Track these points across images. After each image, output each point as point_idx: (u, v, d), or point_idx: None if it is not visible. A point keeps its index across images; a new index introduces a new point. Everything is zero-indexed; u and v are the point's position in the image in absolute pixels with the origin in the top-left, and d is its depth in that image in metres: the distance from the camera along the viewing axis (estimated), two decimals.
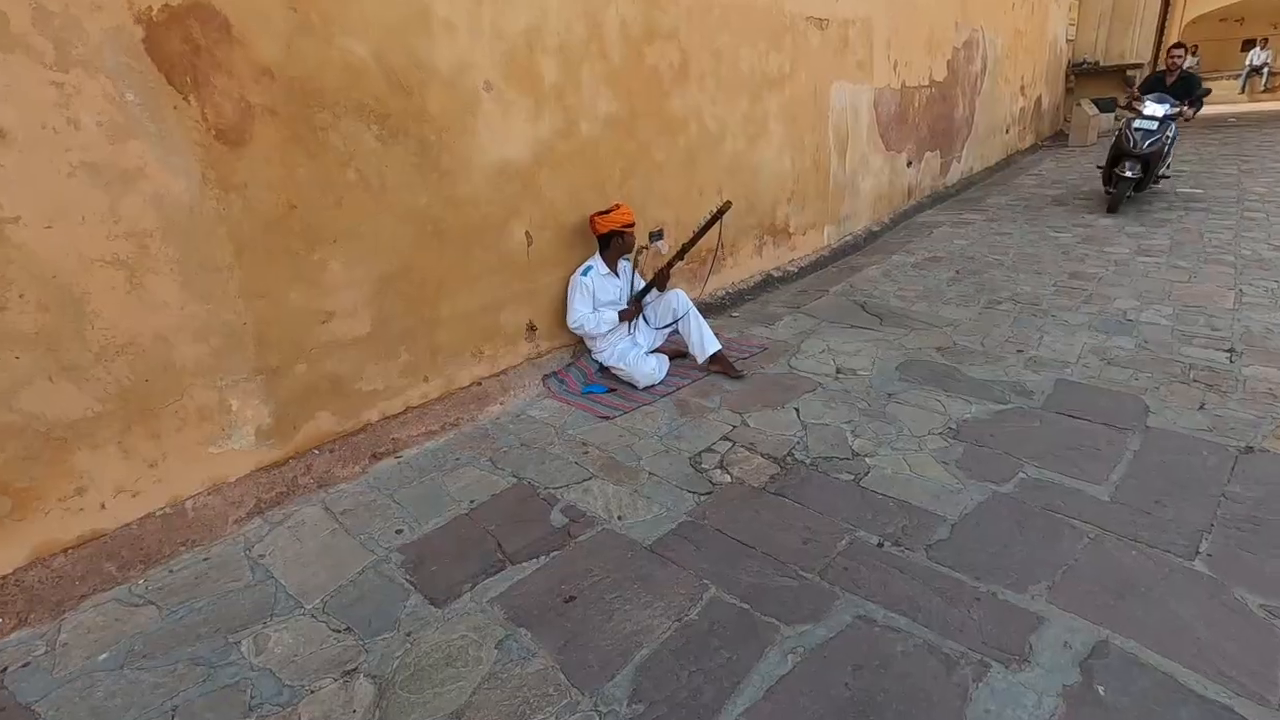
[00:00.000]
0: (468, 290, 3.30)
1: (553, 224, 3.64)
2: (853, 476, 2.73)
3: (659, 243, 4.41)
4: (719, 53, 4.56)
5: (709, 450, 2.96)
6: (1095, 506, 2.49)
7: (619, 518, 2.52)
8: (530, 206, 3.50)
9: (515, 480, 2.78)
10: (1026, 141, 12.38)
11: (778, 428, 3.13)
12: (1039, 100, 12.65)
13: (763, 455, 2.90)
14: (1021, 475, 2.70)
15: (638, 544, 2.38)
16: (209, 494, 2.53)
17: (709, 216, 3.59)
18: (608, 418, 3.27)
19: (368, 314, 2.92)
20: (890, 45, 6.74)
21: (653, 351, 3.89)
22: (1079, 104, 12.37)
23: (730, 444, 3.00)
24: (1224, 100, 19.23)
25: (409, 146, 2.93)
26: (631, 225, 3.61)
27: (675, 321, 3.76)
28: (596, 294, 3.67)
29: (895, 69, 6.94)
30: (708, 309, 4.78)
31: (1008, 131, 11.22)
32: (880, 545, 2.33)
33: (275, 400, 2.68)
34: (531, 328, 3.68)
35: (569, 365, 3.81)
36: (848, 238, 6.66)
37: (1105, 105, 12.83)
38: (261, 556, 2.36)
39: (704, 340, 3.69)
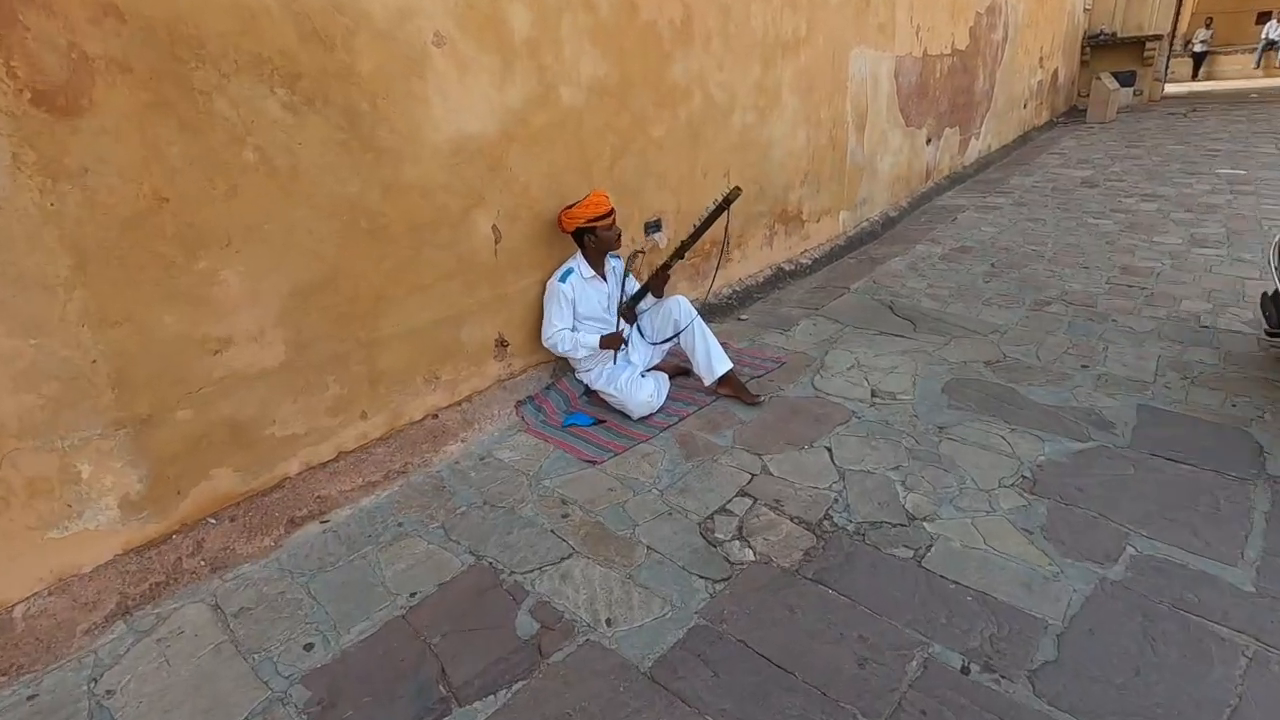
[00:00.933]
0: (417, 301, 2.61)
1: (526, 214, 2.95)
2: (912, 553, 2.10)
3: (657, 235, 3.73)
4: (727, 8, 3.84)
5: (723, 511, 2.32)
6: (1240, 602, 1.87)
7: (607, 621, 1.88)
8: (498, 194, 2.81)
9: (473, 559, 2.12)
10: (1042, 117, 11.67)
11: (808, 476, 2.49)
12: (1056, 73, 11.91)
13: (792, 519, 2.26)
14: (1130, 550, 2.08)
15: (633, 667, 1.74)
16: (51, 594, 1.86)
17: (714, 206, 2.90)
18: (595, 461, 2.61)
19: (279, 338, 2.24)
20: (913, 7, 6.01)
21: (650, 370, 3.23)
22: (1098, 77, 11.65)
23: (750, 502, 2.36)
24: (1241, 75, 18.57)
25: (331, 118, 2.23)
26: (605, 217, 2.90)
27: (676, 335, 3.10)
28: (578, 304, 2.99)
29: (918, 34, 6.21)
30: (712, 311, 4.11)
31: (1025, 106, 10.51)
32: (965, 670, 1.70)
33: (148, 459, 2.01)
34: (501, 343, 3.01)
35: (548, 388, 3.14)
36: (864, 224, 5.99)
37: (1125, 79, 12.11)
38: (110, 693, 1.70)
39: (712, 358, 3.03)
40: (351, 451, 2.51)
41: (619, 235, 2.99)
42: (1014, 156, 9.43)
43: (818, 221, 5.28)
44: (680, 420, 2.92)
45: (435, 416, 2.77)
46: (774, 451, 2.66)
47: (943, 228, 6.03)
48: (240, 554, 2.13)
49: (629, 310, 3.19)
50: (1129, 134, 10.33)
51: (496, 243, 2.86)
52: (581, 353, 2.96)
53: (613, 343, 2.95)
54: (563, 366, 3.21)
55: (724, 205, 2.87)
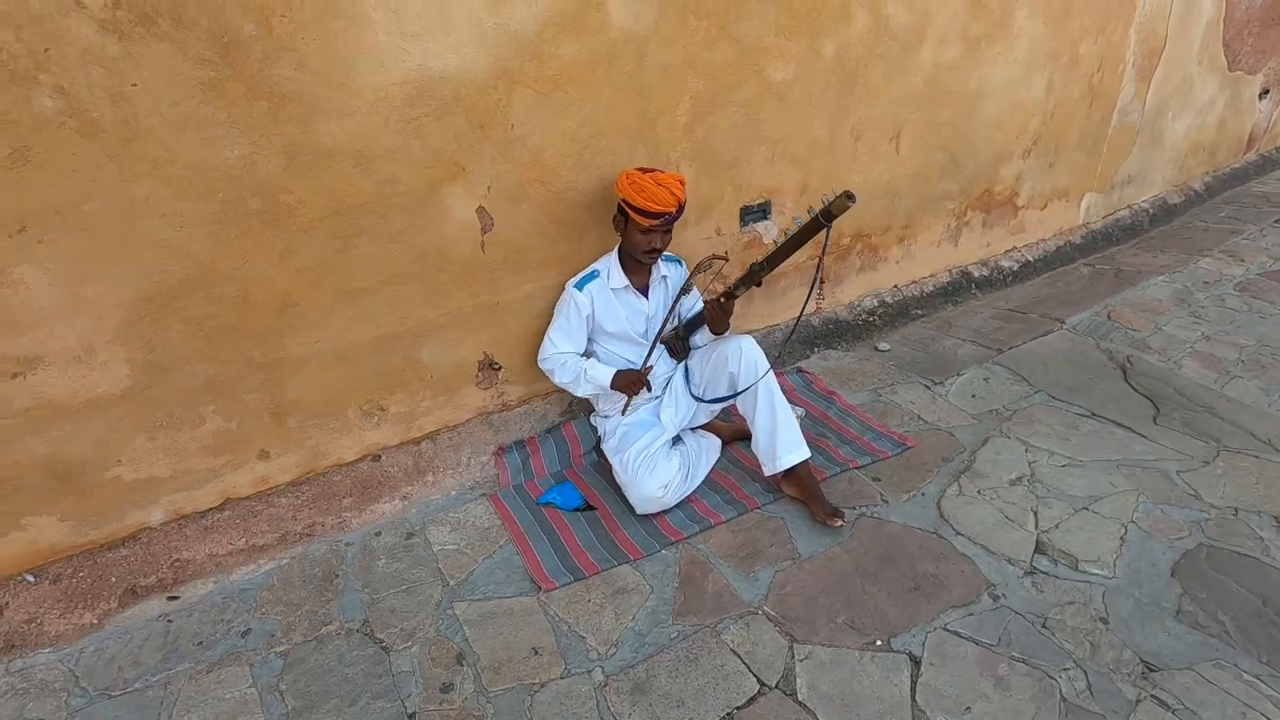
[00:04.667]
0: (348, 311, 1.89)
1: (538, 193, 2.06)
2: None
3: (761, 225, 2.63)
4: None
5: None
6: None
7: None
8: (488, 163, 1.94)
9: None
10: None
11: None
12: None
13: None
14: None
15: None
16: None
17: (809, 219, 1.77)
18: (544, 585, 1.78)
19: (120, 357, 1.64)
20: None
21: (695, 430, 2.27)
22: None
23: None
24: None
25: (189, 46, 1.49)
26: (648, 216, 1.88)
27: (733, 397, 2.08)
28: (600, 319, 2.08)
29: None
30: (834, 330, 2.96)
31: None
32: None
33: None
34: (490, 365, 2.21)
35: (550, 430, 2.32)
36: (1122, 213, 4.19)
37: None
38: None
39: (778, 441, 1.99)
40: (245, 499, 1.92)
41: (654, 250, 1.98)
42: None
43: (1042, 209, 3.69)
44: (705, 530, 1.96)
45: (376, 458, 2.09)
46: (819, 638, 1.63)
47: (1254, 232, 4.04)
48: (48, 633, 1.65)
49: (679, 343, 2.22)
50: None
51: (484, 232, 2.01)
52: (585, 389, 2.08)
53: (629, 385, 2.02)
54: (582, 403, 2.36)
55: (821, 221, 1.73)
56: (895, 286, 3.24)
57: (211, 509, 1.89)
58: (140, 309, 1.63)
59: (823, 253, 1.79)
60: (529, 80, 1.91)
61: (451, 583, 1.80)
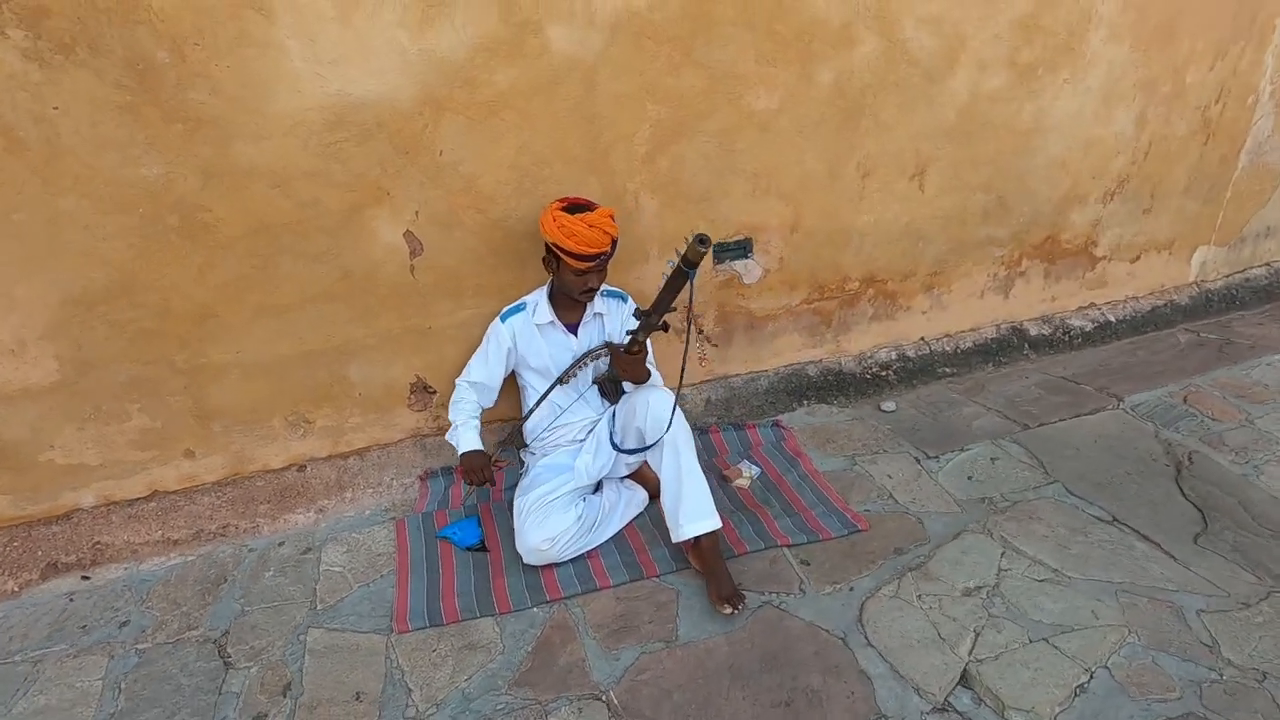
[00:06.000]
0: (270, 325, 1.95)
1: (473, 220, 2.02)
2: None
3: (740, 264, 2.43)
4: None
5: None
6: None
7: None
8: (415, 188, 1.93)
9: None
10: None
11: None
12: None
13: None
14: None
15: None
16: None
17: (676, 263, 1.60)
18: (399, 625, 1.72)
19: (49, 353, 1.79)
20: None
21: (623, 480, 2.13)
22: None
23: None
24: None
25: (106, 73, 1.59)
26: (579, 259, 1.78)
27: (643, 450, 1.92)
28: (523, 354, 2.01)
29: None
30: (834, 380, 2.68)
31: None
32: None
33: None
34: (423, 389, 2.21)
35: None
36: (1256, 271, 3.49)
37: None
38: None
39: (682, 507, 1.81)
40: (171, 493, 2.04)
41: (591, 290, 1.90)
42: None
43: (1133, 261, 3.14)
44: (589, 592, 1.82)
45: (301, 469, 2.14)
46: None
47: None
48: None
49: (611, 385, 2.08)
50: None
51: (413, 257, 2.01)
52: (450, 437, 2.01)
53: (470, 472, 1.92)
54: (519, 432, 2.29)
55: (684, 269, 1.57)
56: (921, 339, 2.88)
57: (139, 499, 2.02)
58: (67, 311, 1.76)
59: (690, 304, 1.63)
60: (459, 107, 1.88)
61: (319, 606, 1.80)
